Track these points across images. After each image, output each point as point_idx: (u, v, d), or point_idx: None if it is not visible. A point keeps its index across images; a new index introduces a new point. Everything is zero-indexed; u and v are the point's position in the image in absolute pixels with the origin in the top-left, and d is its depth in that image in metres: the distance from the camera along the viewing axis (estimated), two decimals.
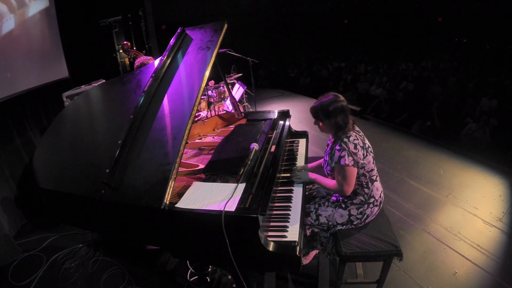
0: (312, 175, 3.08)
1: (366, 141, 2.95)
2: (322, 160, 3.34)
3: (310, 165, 3.44)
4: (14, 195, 4.65)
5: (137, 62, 4.98)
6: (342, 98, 2.88)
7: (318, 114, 2.90)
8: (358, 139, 2.84)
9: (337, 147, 2.82)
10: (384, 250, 2.81)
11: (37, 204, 4.73)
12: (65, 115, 3.88)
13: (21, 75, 5.22)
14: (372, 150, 2.96)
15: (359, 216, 2.98)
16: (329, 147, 3.05)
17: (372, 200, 2.99)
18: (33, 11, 5.57)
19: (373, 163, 2.95)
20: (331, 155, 2.92)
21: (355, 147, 2.80)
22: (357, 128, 2.99)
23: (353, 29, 19.42)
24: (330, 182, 2.98)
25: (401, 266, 3.53)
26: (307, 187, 3.43)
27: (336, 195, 3.13)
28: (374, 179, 3.00)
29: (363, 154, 2.84)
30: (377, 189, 3.03)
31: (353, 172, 2.82)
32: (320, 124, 2.95)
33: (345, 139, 2.81)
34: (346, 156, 2.76)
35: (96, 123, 3.49)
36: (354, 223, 3.00)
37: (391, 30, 18.00)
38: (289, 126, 4.00)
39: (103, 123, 3.38)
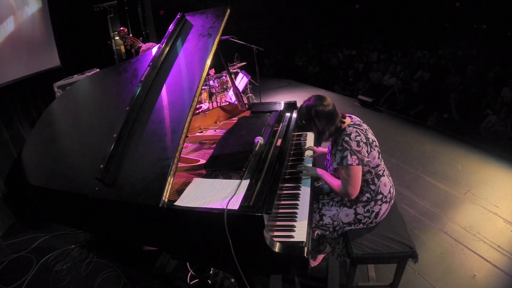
0: (320, 171, 3.08)
1: (370, 135, 2.90)
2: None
3: (318, 149, 3.48)
4: (1, 192, 4.66)
5: (144, 47, 4.98)
6: (326, 102, 2.83)
7: (300, 118, 2.97)
8: (360, 135, 2.80)
9: (339, 148, 2.79)
10: (398, 251, 2.79)
11: (26, 202, 4.75)
12: (56, 106, 3.88)
13: (9, 64, 5.21)
14: (377, 144, 2.93)
15: (367, 215, 2.96)
16: (330, 146, 3.03)
17: (379, 196, 2.96)
18: None
19: (378, 158, 2.91)
20: (332, 155, 2.90)
21: (358, 145, 2.76)
22: (357, 122, 2.94)
23: (364, 14, 19.30)
24: (336, 182, 2.96)
25: (416, 269, 3.52)
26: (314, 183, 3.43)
27: None
28: (381, 174, 2.97)
29: (367, 151, 2.81)
30: (385, 184, 2.99)
31: (358, 171, 2.79)
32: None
33: (346, 138, 2.77)
34: (349, 156, 2.73)
35: (90, 115, 3.49)
36: (363, 221, 2.98)
37: (405, 16, 17.86)
38: (296, 119, 3.98)
39: (97, 116, 3.38)
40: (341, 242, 3.08)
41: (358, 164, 2.75)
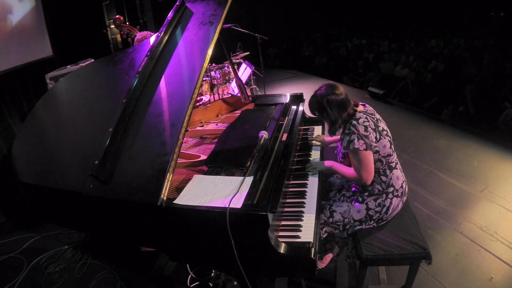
0: (328, 163, 3.10)
1: (381, 124, 2.96)
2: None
3: (328, 139, 3.56)
4: None
5: (139, 35, 4.97)
6: (338, 91, 2.94)
7: (312, 108, 3.05)
8: (368, 121, 2.86)
9: (346, 131, 2.86)
10: (411, 252, 2.79)
11: (16, 201, 4.73)
12: (48, 99, 3.87)
13: None
14: (389, 134, 2.97)
15: (378, 209, 2.97)
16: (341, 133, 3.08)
17: (391, 189, 2.98)
18: None
19: (390, 147, 2.94)
20: (341, 140, 2.95)
21: (366, 129, 2.82)
22: (370, 111, 3.00)
23: (375, 1, 19.26)
24: (349, 170, 3.01)
25: (430, 271, 3.51)
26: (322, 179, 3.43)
27: (353, 187, 3.12)
28: (393, 166, 3.00)
29: (376, 137, 2.85)
30: (398, 178, 3.01)
31: (368, 156, 2.84)
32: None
33: (354, 122, 2.84)
34: (356, 140, 2.78)
35: (84, 108, 3.47)
36: (374, 218, 2.99)
37: (418, 3, 17.81)
38: (303, 112, 3.99)
39: (92, 108, 3.36)
40: (350, 243, 3.08)
41: (366, 149, 2.80)
